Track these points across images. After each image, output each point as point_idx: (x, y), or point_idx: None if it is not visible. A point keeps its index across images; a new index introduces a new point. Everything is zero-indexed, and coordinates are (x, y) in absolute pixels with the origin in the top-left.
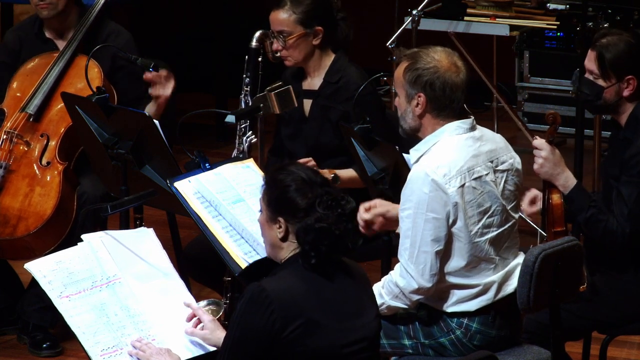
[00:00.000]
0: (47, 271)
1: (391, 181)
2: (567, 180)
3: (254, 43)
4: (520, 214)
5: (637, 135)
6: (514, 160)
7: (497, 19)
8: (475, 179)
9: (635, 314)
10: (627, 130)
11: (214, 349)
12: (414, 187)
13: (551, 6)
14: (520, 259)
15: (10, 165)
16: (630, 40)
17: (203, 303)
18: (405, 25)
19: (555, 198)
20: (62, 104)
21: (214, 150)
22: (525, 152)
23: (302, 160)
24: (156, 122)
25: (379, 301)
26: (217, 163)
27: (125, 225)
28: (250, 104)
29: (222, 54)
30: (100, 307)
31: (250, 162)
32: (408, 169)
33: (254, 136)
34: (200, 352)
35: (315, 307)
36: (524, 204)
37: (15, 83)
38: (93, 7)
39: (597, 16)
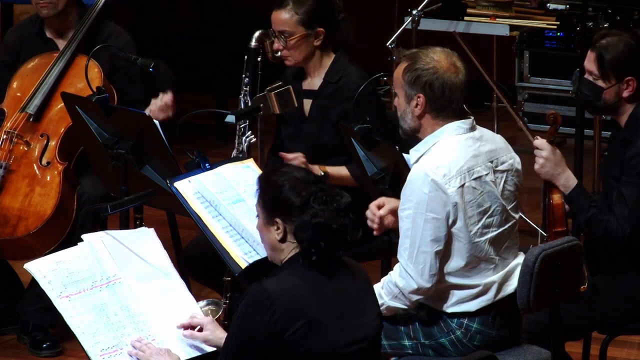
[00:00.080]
0: (47, 271)
1: (391, 181)
2: (567, 180)
3: (253, 43)
4: (520, 214)
5: (637, 136)
6: (514, 160)
7: (497, 19)
8: (475, 179)
9: (636, 314)
10: (626, 131)
11: (214, 349)
12: (414, 187)
13: (551, 6)
14: (520, 259)
15: (10, 165)
16: (630, 41)
17: (202, 303)
18: (405, 25)
19: (556, 198)
20: (62, 104)
21: (214, 150)
22: (526, 152)
23: (291, 156)
24: (156, 122)
25: (378, 301)
26: (217, 163)
27: (125, 225)
28: (249, 104)
29: (222, 54)
30: (100, 307)
31: (250, 162)
32: (408, 169)
33: (253, 136)
34: (200, 352)
35: (316, 307)
36: None
37: (16, 83)
38: (93, 7)
39: (597, 16)
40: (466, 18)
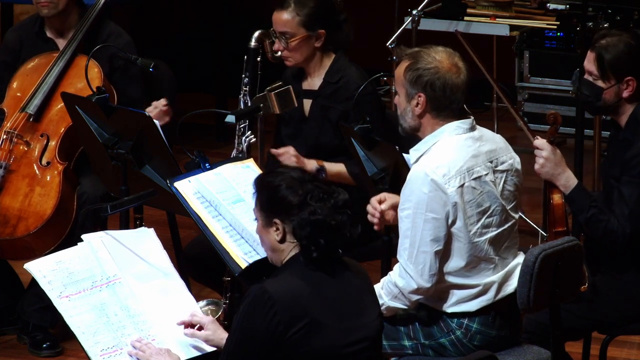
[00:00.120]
0: (47, 271)
1: (391, 181)
2: (568, 180)
3: (252, 43)
4: (520, 214)
5: (637, 137)
6: (514, 160)
7: (497, 19)
8: (474, 179)
9: (636, 314)
10: (627, 131)
11: (214, 349)
12: (414, 187)
13: (551, 6)
14: (520, 259)
15: (10, 165)
16: (630, 42)
17: (202, 303)
18: (405, 25)
19: (556, 198)
20: (62, 104)
21: (214, 150)
22: (526, 152)
23: (281, 150)
24: (156, 122)
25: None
26: (217, 163)
27: (125, 225)
28: (249, 103)
29: (222, 54)
30: (100, 307)
31: (250, 162)
32: (408, 169)
33: (252, 136)
34: (200, 352)
35: (317, 307)
36: None
37: (15, 83)
38: (93, 6)
39: (597, 16)
40: (466, 18)
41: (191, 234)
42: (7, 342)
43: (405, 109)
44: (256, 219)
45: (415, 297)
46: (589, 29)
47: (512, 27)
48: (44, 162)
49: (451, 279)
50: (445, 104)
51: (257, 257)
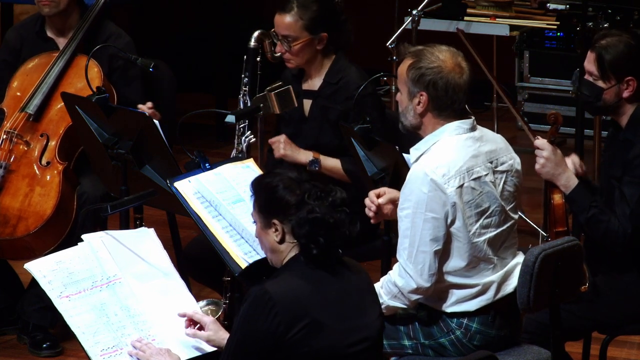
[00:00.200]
0: (47, 271)
1: (391, 181)
2: (568, 180)
3: (252, 43)
4: (520, 214)
5: (638, 137)
6: (514, 161)
7: (497, 19)
8: (474, 179)
9: (636, 314)
10: (627, 132)
11: (214, 349)
12: (413, 186)
13: (551, 6)
14: (519, 258)
15: (10, 165)
16: (630, 42)
17: (202, 303)
18: (405, 25)
19: (557, 198)
20: (62, 104)
21: (214, 150)
22: (526, 152)
23: (274, 139)
24: (156, 122)
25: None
26: (217, 163)
27: (125, 225)
28: (248, 103)
29: (222, 54)
30: (100, 307)
31: (250, 162)
32: (408, 169)
33: (252, 136)
34: (200, 352)
35: (318, 307)
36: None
37: (15, 82)
38: (93, 6)
39: (597, 16)
40: (466, 18)
41: (191, 234)
42: (7, 342)
43: (406, 107)
44: (255, 221)
45: (414, 297)
46: (589, 29)
47: (512, 27)
48: (43, 162)
49: (451, 279)
50: (447, 104)
51: (257, 257)
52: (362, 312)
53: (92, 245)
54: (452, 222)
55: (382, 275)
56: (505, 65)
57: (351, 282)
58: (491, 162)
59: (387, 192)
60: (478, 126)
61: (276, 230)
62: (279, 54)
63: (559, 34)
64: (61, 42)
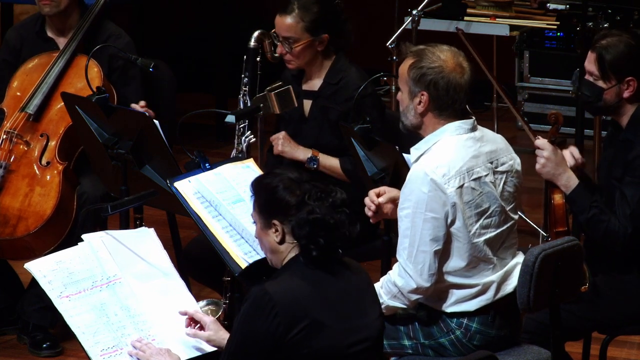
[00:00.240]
0: (47, 271)
1: (391, 181)
2: (568, 180)
3: (252, 43)
4: (519, 214)
5: (639, 137)
6: (514, 161)
7: (497, 19)
8: (474, 179)
9: (637, 314)
10: (628, 132)
11: (214, 349)
12: (413, 186)
13: (551, 6)
14: (519, 258)
15: (10, 165)
16: (630, 42)
17: (202, 303)
18: (405, 25)
19: (557, 198)
20: (62, 104)
21: (214, 150)
22: (525, 152)
23: (274, 136)
24: (156, 122)
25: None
26: (217, 163)
27: (125, 225)
28: (248, 103)
29: (222, 54)
30: (100, 307)
31: (250, 162)
32: (408, 169)
33: (252, 136)
34: (200, 352)
35: (318, 307)
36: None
37: (15, 82)
38: (93, 6)
39: (597, 16)
40: (466, 18)
41: (191, 234)
42: (7, 342)
43: (407, 106)
44: (254, 222)
45: (414, 297)
46: (589, 29)
47: (512, 27)
48: (43, 162)
49: (451, 279)
50: (448, 104)
51: (257, 257)
52: (362, 312)
53: (92, 245)
54: (452, 222)
55: (382, 275)
56: (505, 65)
57: (351, 283)
58: (491, 163)
59: (387, 192)
60: (478, 126)
61: (276, 230)
62: (277, 53)
63: (559, 34)
64: (61, 42)
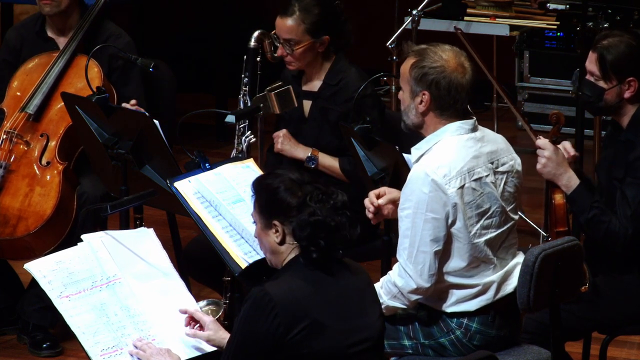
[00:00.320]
0: (47, 271)
1: (391, 181)
2: (569, 180)
3: (252, 43)
4: (519, 214)
5: None
6: (515, 161)
7: (497, 19)
8: (475, 180)
9: (637, 314)
10: (629, 132)
11: (214, 349)
12: (414, 187)
13: (551, 6)
14: (519, 258)
15: (10, 165)
16: (631, 42)
17: (202, 303)
18: (405, 25)
19: (558, 198)
20: (62, 104)
21: (214, 150)
22: (525, 152)
23: (275, 133)
24: (156, 122)
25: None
26: (217, 163)
27: (125, 225)
28: (248, 103)
29: (222, 54)
30: (100, 307)
31: (250, 162)
32: (408, 169)
33: (252, 136)
34: (200, 352)
35: (319, 308)
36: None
37: (15, 82)
38: (94, 6)
39: (597, 16)
40: (466, 18)
41: (191, 234)
42: (7, 342)
43: (408, 105)
44: (255, 222)
45: (414, 297)
46: (589, 29)
47: (512, 27)
48: (43, 162)
49: (451, 279)
50: (449, 104)
51: (257, 257)
52: (362, 312)
53: (92, 245)
54: (453, 222)
55: (382, 275)
56: (505, 65)
57: (351, 283)
58: (492, 163)
59: (387, 193)
60: (479, 127)
61: (277, 231)
62: (277, 53)
63: (559, 34)
64: (61, 42)
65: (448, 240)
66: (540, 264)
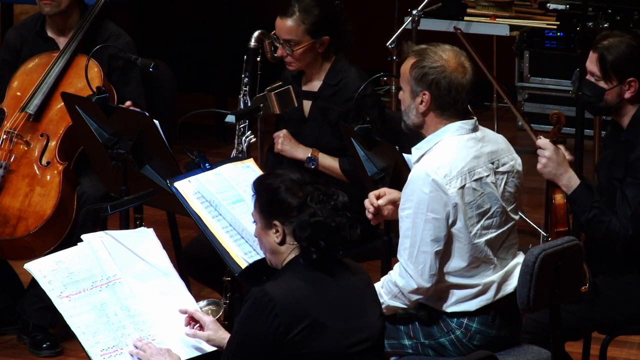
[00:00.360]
0: (47, 271)
1: (391, 181)
2: (570, 180)
3: (252, 43)
4: (520, 214)
5: None
6: (515, 161)
7: (497, 19)
8: (475, 180)
9: (637, 314)
10: (629, 133)
11: (214, 349)
12: (415, 187)
13: (551, 6)
14: (519, 258)
15: (10, 165)
16: (632, 43)
17: (203, 303)
18: (405, 25)
19: (559, 198)
20: (62, 104)
21: (214, 150)
22: (526, 152)
23: (275, 134)
24: (156, 122)
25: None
26: (217, 163)
27: (125, 225)
28: (249, 103)
29: (222, 54)
30: (100, 307)
31: (250, 162)
32: (408, 169)
33: (252, 136)
34: (200, 352)
35: (319, 308)
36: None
37: (16, 82)
38: (94, 6)
39: (597, 16)
40: (466, 18)
41: (191, 234)
42: (7, 342)
43: (409, 105)
44: (255, 221)
45: (415, 297)
46: (589, 29)
47: (512, 27)
48: (44, 162)
49: (451, 279)
50: (450, 104)
51: (257, 257)
52: (362, 312)
53: (91, 245)
54: (454, 222)
55: (382, 275)
56: (505, 65)
57: (351, 283)
58: (492, 163)
59: (388, 193)
60: (480, 127)
61: (277, 231)
62: (277, 53)
63: (559, 34)
64: (61, 42)
65: (448, 240)
66: (540, 264)
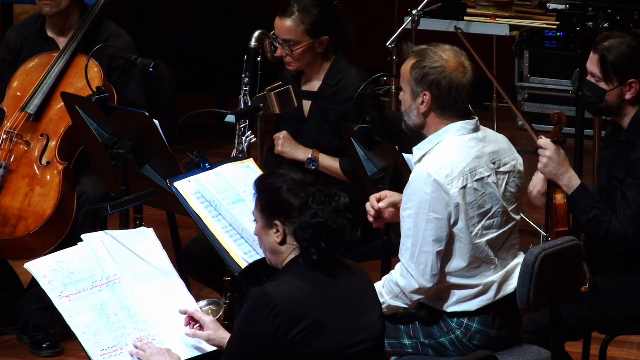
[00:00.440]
0: (47, 271)
1: (391, 181)
2: (570, 180)
3: (253, 43)
4: (521, 214)
5: None
6: (517, 162)
7: (497, 19)
8: (477, 180)
9: (637, 314)
10: (630, 133)
11: (214, 349)
12: (416, 187)
13: (551, 6)
14: (520, 259)
15: (10, 165)
16: (633, 43)
17: (203, 303)
18: (405, 25)
19: (559, 198)
20: (62, 104)
21: (214, 150)
22: (526, 152)
23: (276, 135)
24: (156, 122)
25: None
26: (217, 163)
27: (125, 225)
28: (249, 103)
29: (222, 54)
30: (100, 307)
31: (250, 162)
32: (408, 169)
33: (253, 136)
34: (200, 352)
35: (319, 308)
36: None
37: (16, 82)
38: (94, 6)
39: (597, 16)
40: (466, 18)
41: (191, 234)
42: (7, 342)
43: (410, 106)
44: (255, 220)
45: (416, 297)
46: (589, 29)
47: (512, 27)
48: (44, 162)
49: (452, 280)
50: (451, 104)
51: (257, 257)
52: (362, 312)
53: (91, 245)
54: (455, 223)
55: (382, 275)
56: (505, 65)
57: (351, 283)
58: (494, 163)
59: (389, 196)
60: (481, 127)
61: (278, 231)
62: (276, 53)
63: (559, 34)
64: (61, 42)
65: (450, 240)
66: (541, 264)
